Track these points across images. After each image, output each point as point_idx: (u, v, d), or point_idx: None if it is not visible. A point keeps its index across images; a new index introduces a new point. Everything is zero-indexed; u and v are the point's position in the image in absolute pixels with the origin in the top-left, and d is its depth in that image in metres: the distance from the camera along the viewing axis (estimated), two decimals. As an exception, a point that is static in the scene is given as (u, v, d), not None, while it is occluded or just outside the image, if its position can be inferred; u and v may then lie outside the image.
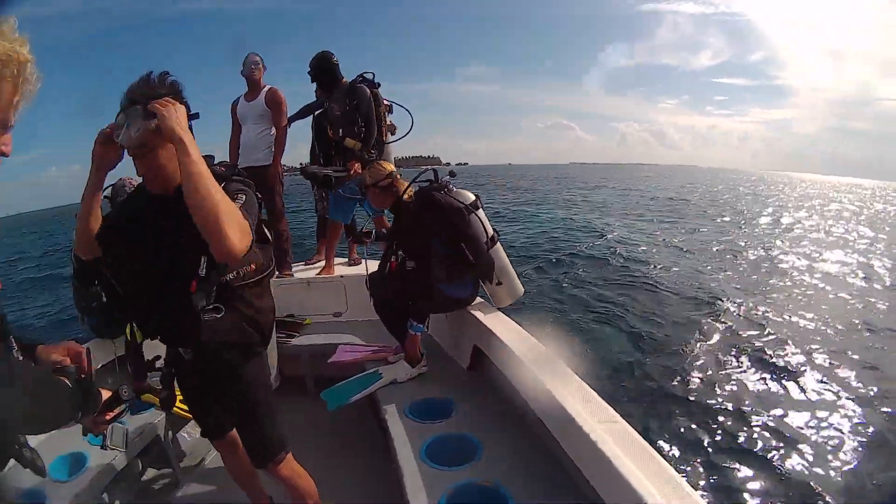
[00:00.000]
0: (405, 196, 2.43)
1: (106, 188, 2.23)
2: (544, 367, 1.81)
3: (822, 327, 5.78)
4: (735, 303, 6.49)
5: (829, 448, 3.42)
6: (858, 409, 3.90)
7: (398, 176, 2.47)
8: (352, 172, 3.28)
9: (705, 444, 3.47)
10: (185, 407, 2.21)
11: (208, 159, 1.43)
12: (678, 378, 4.42)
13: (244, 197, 1.31)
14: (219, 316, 1.36)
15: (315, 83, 3.64)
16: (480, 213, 2.37)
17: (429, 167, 2.52)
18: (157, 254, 1.35)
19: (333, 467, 1.87)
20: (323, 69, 3.45)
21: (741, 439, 3.53)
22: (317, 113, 3.87)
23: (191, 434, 2.53)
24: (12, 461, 1.15)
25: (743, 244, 11.64)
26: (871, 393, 4.16)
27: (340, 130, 3.34)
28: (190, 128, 1.33)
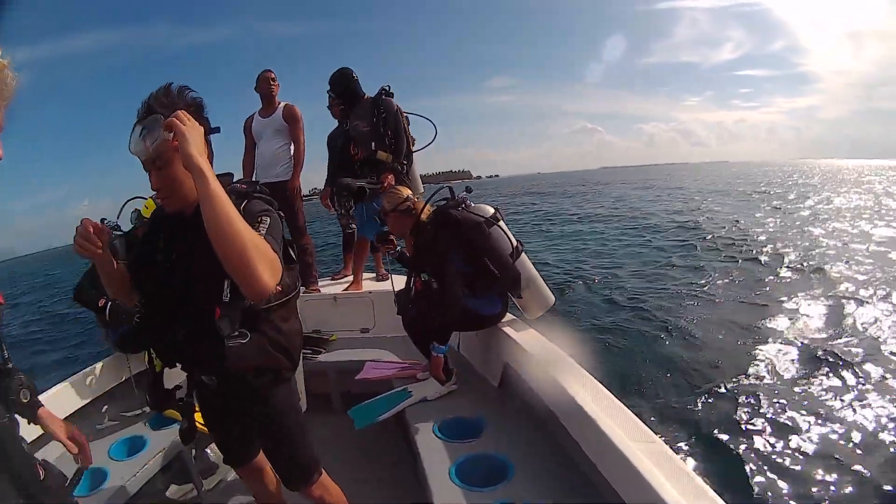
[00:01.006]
0: (423, 216, 2.39)
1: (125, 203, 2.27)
2: (575, 383, 1.75)
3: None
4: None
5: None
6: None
7: (416, 198, 2.44)
8: (385, 185, 3.25)
9: (756, 470, 3.16)
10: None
11: (227, 177, 1.38)
12: (741, 399, 4.02)
13: (268, 220, 1.21)
14: (244, 341, 1.28)
15: (337, 102, 3.69)
16: (502, 224, 2.34)
17: (444, 185, 2.50)
18: (171, 276, 1.30)
19: (360, 487, 1.80)
20: (346, 85, 3.46)
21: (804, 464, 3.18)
22: (331, 134, 3.92)
23: (214, 450, 2.49)
24: None
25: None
26: None
27: (373, 144, 3.33)
28: (209, 143, 1.27)
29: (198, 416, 1.58)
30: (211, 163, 1.26)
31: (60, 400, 2.07)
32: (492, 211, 2.36)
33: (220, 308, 1.23)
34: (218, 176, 1.26)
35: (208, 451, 2.46)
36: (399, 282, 2.77)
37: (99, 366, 2.30)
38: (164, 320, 1.32)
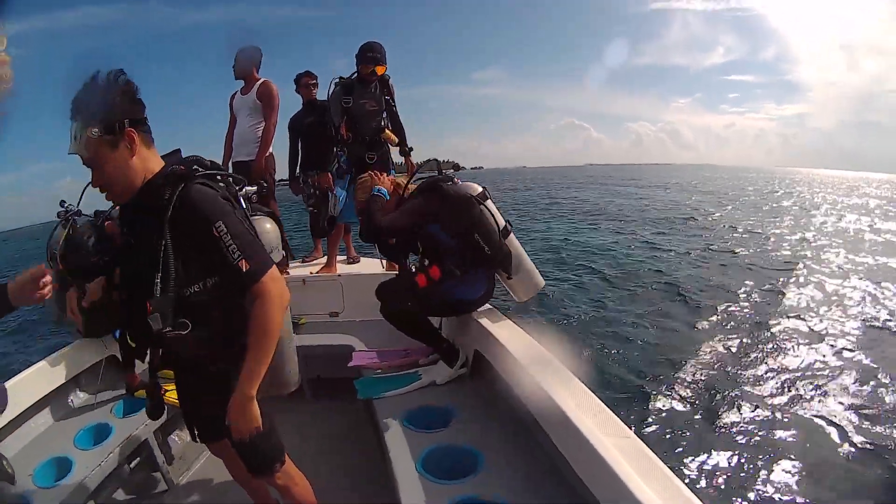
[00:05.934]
0: (405, 193, 2.37)
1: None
2: (549, 374, 1.73)
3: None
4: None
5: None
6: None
7: (401, 182, 2.42)
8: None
9: (728, 465, 3.33)
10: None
11: (174, 155, 1.37)
12: (712, 393, 4.23)
13: (223, 227, 1.21)
14: (184, 333, 1.25)
15: (314, 84, 3.82)
16: (489, 203, 2.29)
17: (429, 160, 2.46)
18: (119, 265, 1.38)
19: (325, 475, 1.79)
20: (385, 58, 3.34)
21: (769, 459, 3.37)
22: (297, 116, 3.92)
23: (180, 437, 2.46)
24: None
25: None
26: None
27: (383, 123, 3.39)
28: (146, 130, 1.27)
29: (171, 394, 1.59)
30: (151, 144, 1.29)
31: (24, 388, 1.99)
32: (480, 189, 2.31)
33: (149, 303, 1.21)
34: (165, 155, 1.33)
35: (174, 438, 2.44)
36: (371, 264, 2.72)
37: (62, 353, 2.22)
38: (132, 308, 1.33)
